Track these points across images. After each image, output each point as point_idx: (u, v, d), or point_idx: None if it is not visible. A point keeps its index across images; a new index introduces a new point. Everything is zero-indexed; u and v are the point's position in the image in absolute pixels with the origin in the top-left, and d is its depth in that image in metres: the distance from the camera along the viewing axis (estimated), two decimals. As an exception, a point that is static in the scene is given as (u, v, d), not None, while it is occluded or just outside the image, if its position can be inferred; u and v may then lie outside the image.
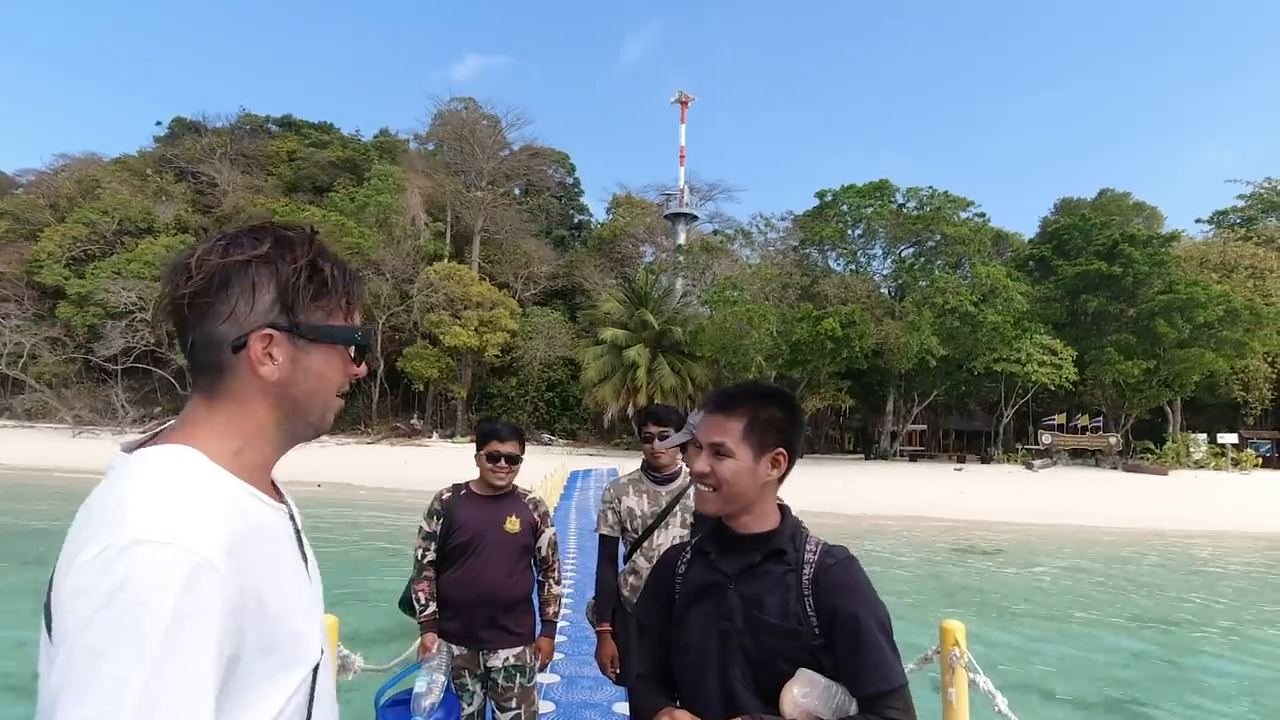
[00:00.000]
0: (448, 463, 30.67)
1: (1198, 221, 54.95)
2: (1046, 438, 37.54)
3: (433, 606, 3.06)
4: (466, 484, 3.22)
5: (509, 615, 3.07)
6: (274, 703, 0.81)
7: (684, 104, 62.07)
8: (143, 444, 0.87)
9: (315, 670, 0.87)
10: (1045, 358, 34.57)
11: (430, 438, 42.29)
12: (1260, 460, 37.50)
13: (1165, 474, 32.39)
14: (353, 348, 0.94)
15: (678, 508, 3.19)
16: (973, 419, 44.95)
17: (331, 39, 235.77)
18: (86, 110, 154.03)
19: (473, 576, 3.03)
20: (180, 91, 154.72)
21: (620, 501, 3.26)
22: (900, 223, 38.78)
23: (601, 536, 3.26)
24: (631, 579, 3.19)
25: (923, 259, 39.14)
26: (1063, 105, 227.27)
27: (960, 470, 33.03)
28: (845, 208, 40.04)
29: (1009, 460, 36.89)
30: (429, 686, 2.30)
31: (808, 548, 1.49)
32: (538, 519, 3.21)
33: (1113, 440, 36.58)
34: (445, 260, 47.33)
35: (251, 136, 58.18)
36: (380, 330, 41.27)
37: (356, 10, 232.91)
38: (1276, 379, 39.26)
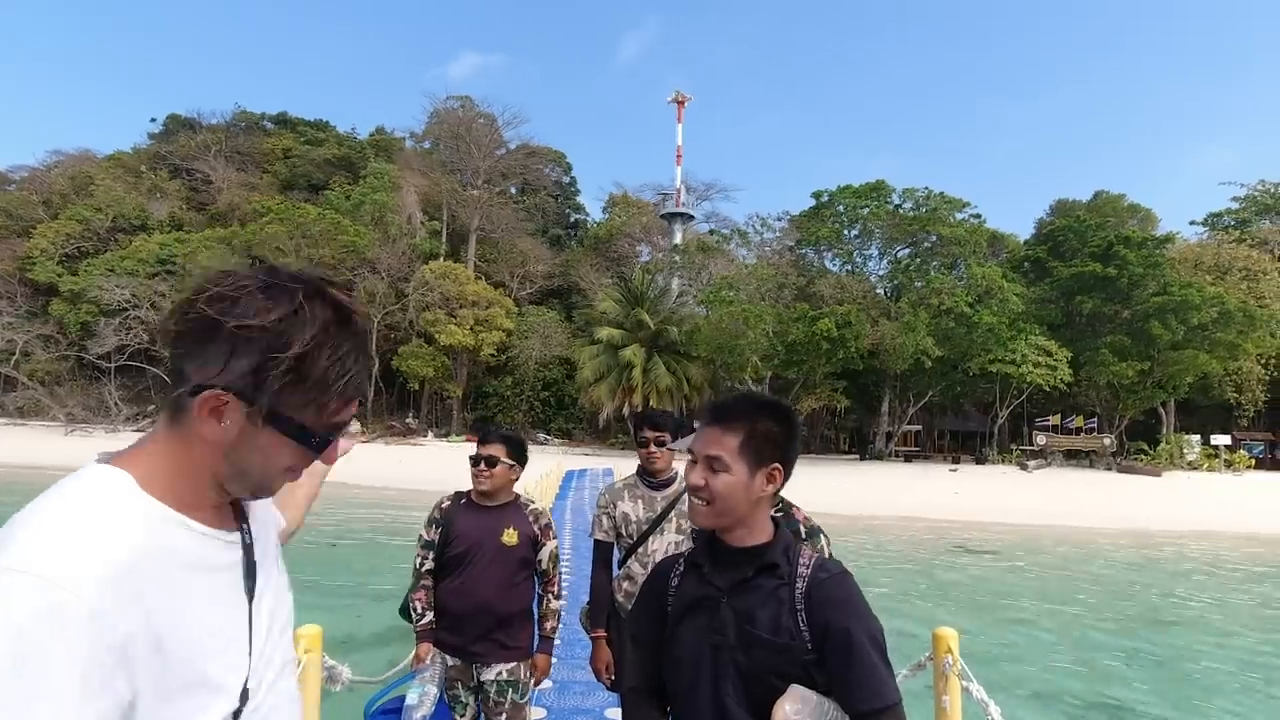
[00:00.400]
0: (443, 462, 30.61)
1: (1192, 224, 55.17)
2: (1041, 439, 37.65)
3: (429, 616, 3.00)
4: (468, 492, 3.13)
5: (504, 629, 2.98)
6: None
7: (681, 104, 62.11)
8: (111, 457, 0.86)
9: (236, 716, 0.83)
10: (1040, 359, 34.67)
11: (425, 437, 42.21)
12: (1253, 462, 37.69)
13: (1159, 475, 32.52)
14: (310, 447, 0.89)
15: (673, 513, 3.17)
16: (968, 420, 45.05)
17: (328, 36, 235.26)
18: (80, 106, 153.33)
19: (468, 588, 2.95)
20: (175, 88, 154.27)
21: (615, 506, 3.24)
22: (896, 223, 38.84)
23: (596, 542, 3.24)
24: (626, 584, 3.17)
25: (919, 260, 39.21)
26: (1059, 107, 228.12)
27: (955, 471, 33.10)
28: (841, 208, 40.10)
29: (1004, 461, 36.99)
30: (420, 698, 2.28)
31: (801, 561, 1.47)
32: (538, 531, 3.09)
33: (1107, 441, 36.70)
34: (441, 259, 47.23)
35: (247, 134, 57.98)
36: (376, 329, 41.13)
37: (353, 8, 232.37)
38: (1270, 381, 39.44)
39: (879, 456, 38.75)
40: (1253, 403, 39.94)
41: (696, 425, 2.13)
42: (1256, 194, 51.66)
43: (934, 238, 38.32)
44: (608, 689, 3.22)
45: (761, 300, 37.04)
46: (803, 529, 2.26)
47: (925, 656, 2.69)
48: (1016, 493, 25.95)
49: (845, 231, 40.57)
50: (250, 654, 0.87)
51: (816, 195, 41.18)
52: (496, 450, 2.99)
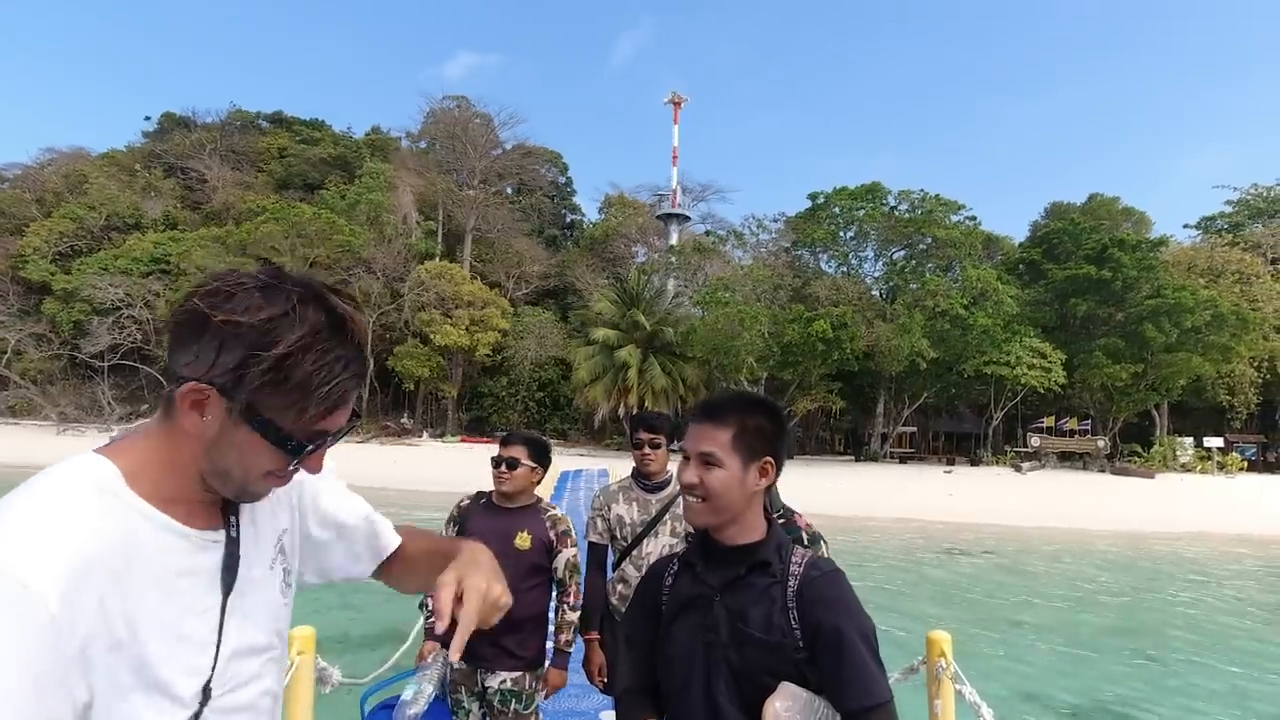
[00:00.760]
0: (437, 462, 30.58)
1: (1185, 227, 55.46)
2: (1035, 440, 37.75)
3: None
4: (490, 492, 3.08)
5: (511, 635, 2.88)
6: None
7: (677, 105, 62.14)
8: (104, 446, 0.88)
9: (197, 717, 0.83)
10: (1034, 361, 34.76)
11: (420, 437, 42.13)
12: (1245, 464, 37.85)
13: (1152, 477, 32.64)
14: (285, 452, 0.88)
15: (667, 516, 3.17)
16: (962, 421, 45.16)
17: (324, 35, 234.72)
18: (73, 104, 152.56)
19: None
20: (169, 86, 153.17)
21: (610, 509, 3.23)
22: (892, 225, 38.92)
23: (590, 544, 3.24)
24: (620, 587, 3.17)
25: (914, 262, 39.30)
26: (1053, 110, 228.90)
27: (950, 472, 33.17)
28: (837, 210, 40.16)
29: (998, 463, 37.08)
30: (415, 696, 2.27)
31: (793, 560, 1.48)
32: (554, 538, 2.98)
33: (1100, 443, 36.83)
34: (436, 259, 47.15)
35: (242, 133, 57.79)
36: (371, 329, 41.04)
37: (348, 7, 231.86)
38: (1262, 383, 39.64)
39: (874, 458, 38.81)
40: (1245, 405, 40.13)
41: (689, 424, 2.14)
42: (1249, 197, 51.95)
43: (929, 240, 38.41)
44: (601, 691, 3.21)
45: (757, 301, 37.07)
46: (805, 535, 2.27)
47: (919, 660, 2.69)
48: (1010, 494, 26.02)
49: (841, 233, 40.65)
50: (217, 654, 0.87)
51: (812, 197, 41.25)
52: (518, 452, 2.94)
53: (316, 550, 1.15)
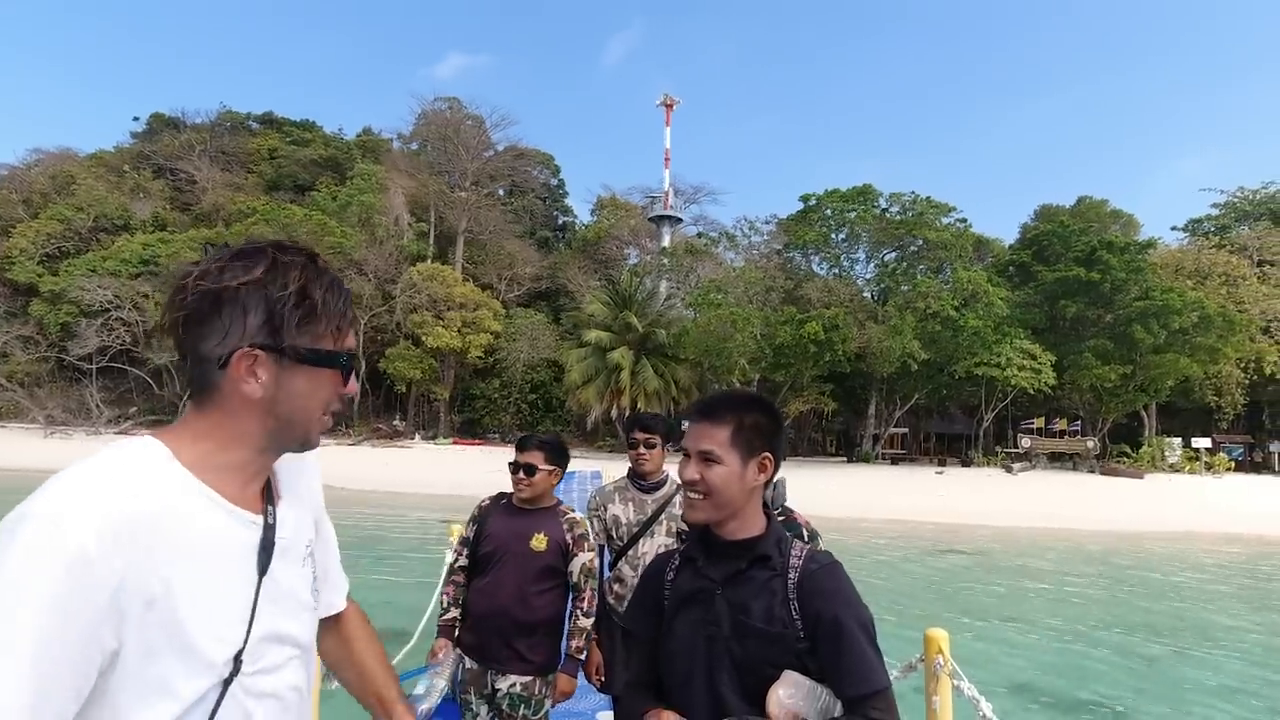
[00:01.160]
0: (429, 465, 30.48)
1: (1173, 229, 55.95)
2: (1025, 441, 37.97)
3: (453, 612, 2.94)
4: (511, 493, 3.08)
5: (522, 638, 2.86)
6: (166, 713, 0.81)
7: (669, 107, 62.32)
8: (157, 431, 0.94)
9: (225, 686, 0.86)
10: (1025, 362, 34.97)
11: (412, 439, 41.99)
12: (1233, 464, 38.20)
13: (1141, 477, 32.88)
14: (339, 369, 0.98)
15: (663, 516, 3.17)
16: (953, 422, 45.38)
17: (314, 36, 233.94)
18: (61, 105, 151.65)
19: (490, 590, 2.88)
20: (158, 87, 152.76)
21: (606, 509, 3.24)
22: (883, 227, 39.11)
23: None
24: (616, 587, 3.17)
25: (905, 263, 39.48)
26: (1043, 114, 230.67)
27: (941, 473, 33.31)
28: (829, 212, 40.34)
29: (989, 463, 37.27)
30: (428, 690, 2.26)
31: (792, 553, 1.51)
32: (570, 541, 2.94)
33: (1090, 444, 37.09)
34: (428, 261, 47.04)
35: (232, 133, 57.50)
36: (362, 331, 40.91)
37: (338, 7, 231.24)
38: (1248, 384, 40.02)
39: (865, 459, 38.95)
40: (1232, 406, 40.50)
41: (685, 424, 2.16)
42: (1236, 200, 52.50)
43: (920, 242, 38.61)
44: (598, 690, 3.21)
45: (749, 303, 37.16)
46: (805, 532, 2.28)
47: (917, 657, 2.70)
48: (1001, 495, 26.15)
49: (832, 235, 40.81)
50: (249, 630, 0.89)
51: (804, 199, 41.39)
52: (535, 458, 2.93)
53: None
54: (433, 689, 2.25)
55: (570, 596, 3.00)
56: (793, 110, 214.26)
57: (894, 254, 40.51)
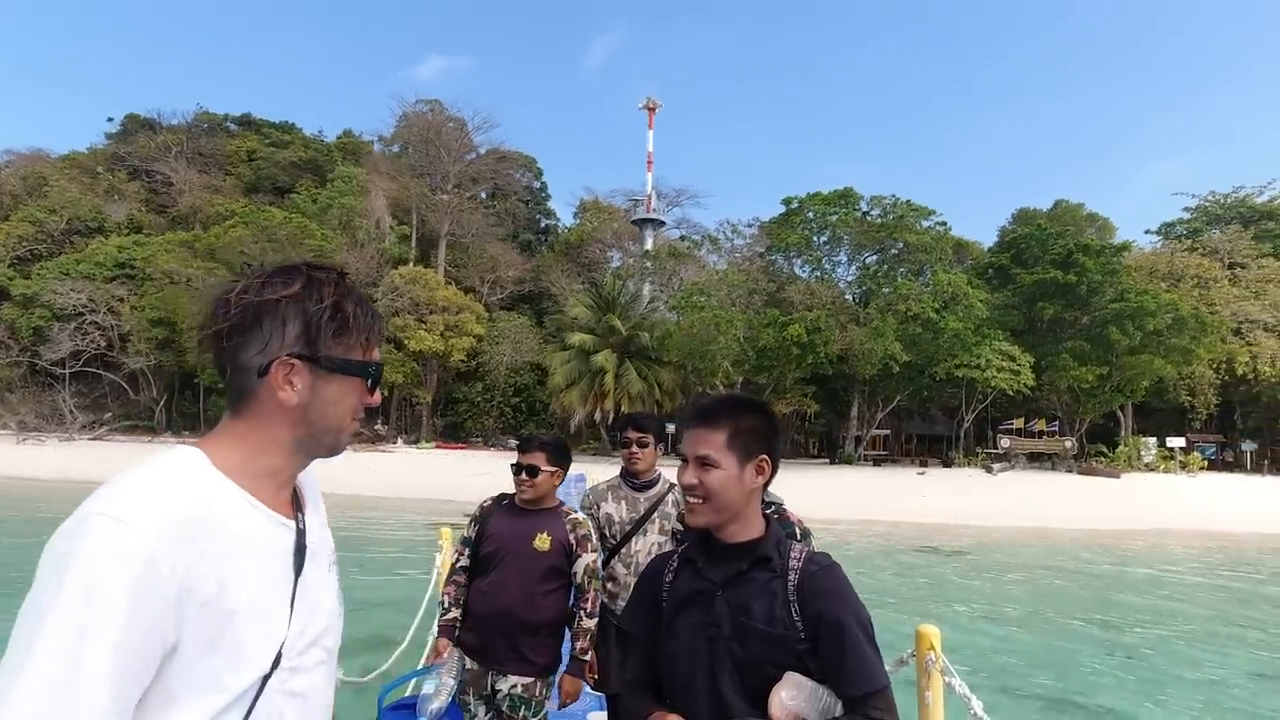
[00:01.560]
0: (411, 469, 30.25)
1: (1147, 233, 57.04)
2: (1005, 442, 38.42)
3: (455, 612, 2.93)
4: (513, 495, 3.07)
5: (526, 639, 2.85)
6: (212, 704, 0.85)
7: (652, 110, 62.48)
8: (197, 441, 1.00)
9: (264, 681, 0.90)
10: (1004, 363, 35.39)
11: (395, 444, 41.64)
12: (1206, 463, 38.92)
13: (1118, 477, 33.38)
14: (368, 380, 1.05)
15: (656, 514, 3.19)
16: (934, 424, 45.81)
17: (293, 37, 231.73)
18: (32, 105, 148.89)
19: (493, 590, 2.87)
20: (133, 87, 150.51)
21: (599, 508, 3.26)
22: (864, 230, 39.41)
23: None
24: (609, 585, 3.18)
25: (886, 266, 39.81)
26: (1021, 119, 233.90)
27: (923, 474, 33.61)
28: (811, 215, 40.57)
29: (969, 464, 37.65)
30: (438, 689, 2.25)
31: (792, 555, 1.52)
32: (574, 541, 2.93)
33: (1068, 444, 37.60)
34: (410, 264, 46.73)
35: (209, 135, 56.74)
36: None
37: (317, 8, 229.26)
38: (1220, 385, 40.80)
39: (848, 460, 39.20)
40: (1205, 406, 41.28)
41: (677, 428, 2.17)
42: (1207, 204, 53.58)
43: (901, 244, 38.96)
44: (591, 689, 3.21)
45: (732, 306, 37.31)
46: (797, 531, 2.30)
47: (908, 653, 2.74)
48: (982, 495, 26.44)
49: (814, 238, 41.06)
50: (289, 625, 0.95)
51: (786, 202, 41.62)
52: (537, 459, 2.94)
53: None
54: (442, 688, 2.24)
55: (575, 597, 3.00)
56: (775, 114, 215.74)
57: (875, 257, 40.84)
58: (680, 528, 3.13)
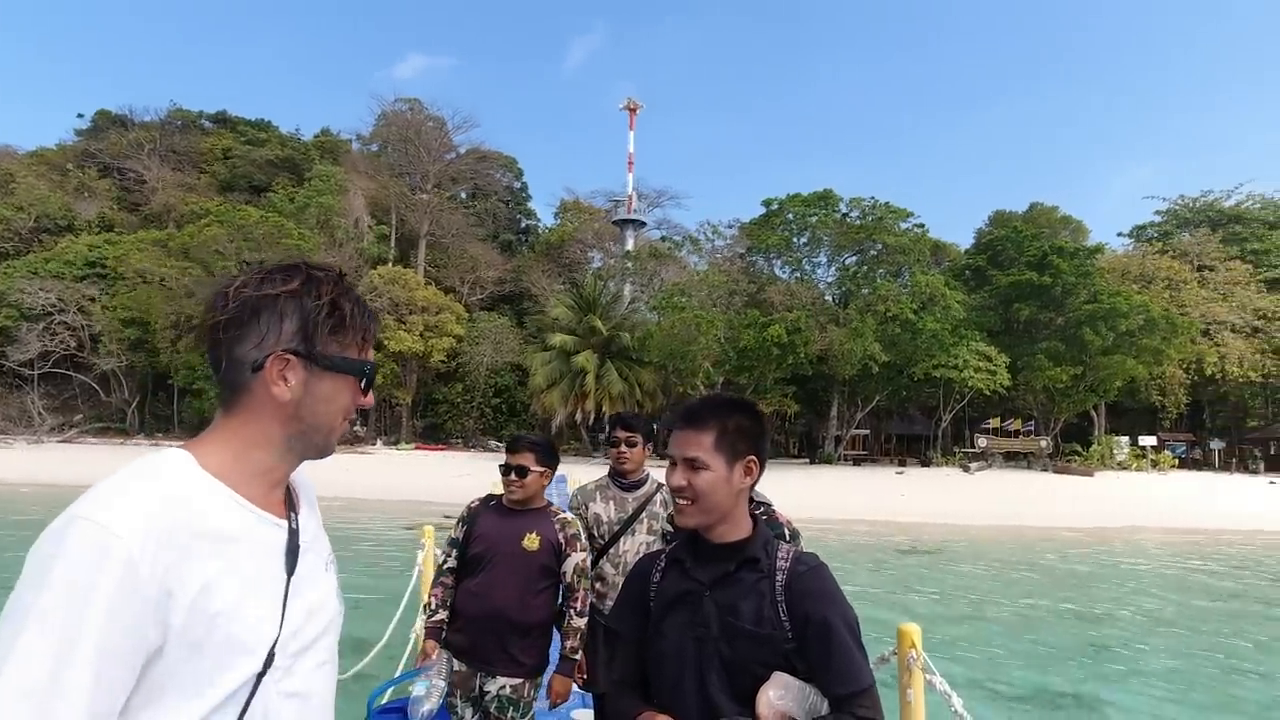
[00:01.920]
0: (391, 471, 29.96)
1: (1119, 235, 58.16)
2: (982, 441, 38.94)
3: (441, 614, 2.91)
4: (501, 495, 3.05)
5: (516, 640, 2.83)
6: (202, 705, 0.85)
7: (632, 111, 62.44)
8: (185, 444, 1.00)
9: (258, 681, 0.90)
10: (980, 364, 35.87)
11: (374, 445, 41.26)
12: (1176, 461, 39.75)
13: (1092, 475, 33.96)
14: (362, 379, 1.05)
15: (644, 514, 3.19)
16: (913, 423, 46.30)
17: (269, 34, 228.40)
18: None
19: (483, 591, 2.84)
20: (105, 84, 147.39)
21: (587, 508, 3.26)
22: (844, 231, 39.78)
23: None
24: (598, 585, 3.17)
25: (865, 267, 40.19)
26: (997, 122, 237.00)
27: (901, 474, 33.96)
28: (791, 216, 40.85)
29: (947, 463, 38.11)
30: (429, 691, 2.23)
31: (779, 555, 1.52)
32: (563, 540, 2.92)
33: (1043, 443, 38.19)
34: (390, 264, 46.39)
35: (183, 132, 55.89)
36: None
37: (294, 5, 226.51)
38: (1190, 385, 41.67)
39: (828, 460, 39.49)
40: (1175, 406, 42.16)
41: (661, 428, 2.17)
42: (1177, 208, 54.75)
43: (880, 246, 39.35)
44: (579, 688, 3.20)
45: (713, 307, 37.43)
46: (786, 531, 2.31)
47: (889, 651, 2.76)
48: (959, 494, 26.76)
49: (794, 239, 41.35)
50: (281, 626, 0.94)
51: (766, 203, 41.88)
52: (526, 459, 2.92)
53: None
54: (433, 689, 2.21)
55: (564, 597, 2.98)
56: (755, 116, 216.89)
57: (854, 258, 41.21)
58: (670, 528, 3.13)
